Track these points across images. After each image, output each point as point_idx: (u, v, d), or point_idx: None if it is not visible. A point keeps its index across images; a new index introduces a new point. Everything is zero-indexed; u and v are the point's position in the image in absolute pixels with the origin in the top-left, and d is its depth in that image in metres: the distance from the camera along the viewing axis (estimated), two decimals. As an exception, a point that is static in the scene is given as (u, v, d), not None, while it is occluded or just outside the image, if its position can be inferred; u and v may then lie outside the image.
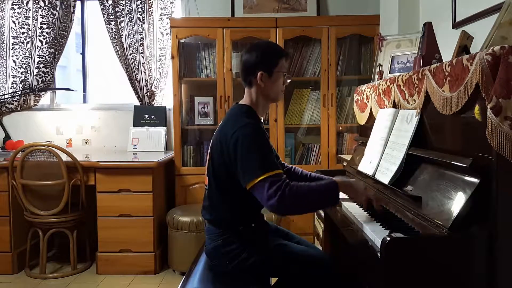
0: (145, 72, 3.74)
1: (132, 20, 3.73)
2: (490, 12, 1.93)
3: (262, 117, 1.92)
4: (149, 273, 3.14)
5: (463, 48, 1.73)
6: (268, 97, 1.86)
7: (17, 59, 3.83)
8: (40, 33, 3.78)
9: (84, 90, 4.06)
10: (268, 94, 1.84)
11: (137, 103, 3.82)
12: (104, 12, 3.73)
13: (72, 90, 3.89)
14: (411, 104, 1.81)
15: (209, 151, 1.86)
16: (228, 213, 1.80)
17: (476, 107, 1.32)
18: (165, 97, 3.83)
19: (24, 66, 3.82)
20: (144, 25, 3.72)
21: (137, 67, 3.74)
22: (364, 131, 2.56)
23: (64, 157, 3.03)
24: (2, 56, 3.84)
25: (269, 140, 1.79)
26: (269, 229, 1.96)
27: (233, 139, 1.69)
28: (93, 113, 3.89)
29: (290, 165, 2.16)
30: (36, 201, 3.09)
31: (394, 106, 2.02)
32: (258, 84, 1.81)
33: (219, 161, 1.78)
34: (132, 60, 3.75)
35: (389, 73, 2.51)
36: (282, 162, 2.15)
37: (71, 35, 3.91)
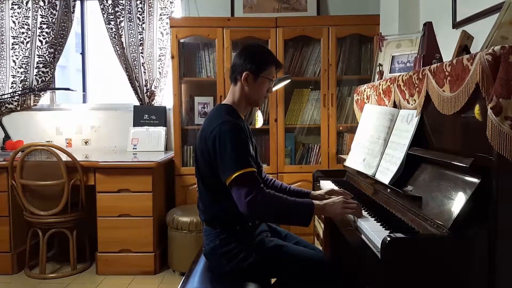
0: (145, 72, 3.73)
1: (132, 20, 3.73)
2: (490, 12, 1.93)
3: (244, 116, 1.93)
4: (149, 273, 3.14)
5: (463, 48, 1.73)
6: (249, 99, 1.87)
7: (17, 59, 3.82)
8: (40, 33, 3.78)
9: (84, 90, 4.06)
10: (250, 96, 1.86)
11: (137, 103, 3.81)
12: (104, 12, 3.73)
13: (72, 90, 3.89)
14: (412, 104, 1.81)
15: (194, 153, 1.87)
16: (221, 212, 1.80)
17: (477, 107, 1.32)
18: (165, 97, 3.83)
19: (24, 66, 3.82)
20: (144, 25, 3.72)
21: (137, 67, 3.74)
22: (364, 131, 2.56)
23: (64, 157, 3.03)
24: (2, 56, 3.84)
25: (248, 138, 1.80)
26: (267, 230, 1.96)
27: (212, 136, 1.72)
28: (92, 113, 3.89)
29: (271, 177, 2.13)
30: (36, 201, 3.09)
31: (395, 106, 2.02)
32: (242, 83, 1.83)
33: (202, 161, 1.80)
34: (132, 60, 3.74)
35: (389, 73, 2.51)
36: (264, 172, 2.12)
37: (71, 35, 3.91)
